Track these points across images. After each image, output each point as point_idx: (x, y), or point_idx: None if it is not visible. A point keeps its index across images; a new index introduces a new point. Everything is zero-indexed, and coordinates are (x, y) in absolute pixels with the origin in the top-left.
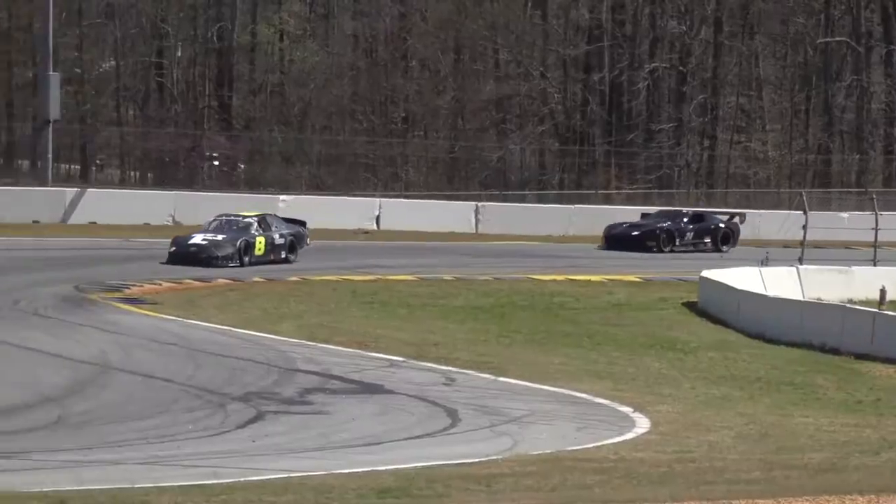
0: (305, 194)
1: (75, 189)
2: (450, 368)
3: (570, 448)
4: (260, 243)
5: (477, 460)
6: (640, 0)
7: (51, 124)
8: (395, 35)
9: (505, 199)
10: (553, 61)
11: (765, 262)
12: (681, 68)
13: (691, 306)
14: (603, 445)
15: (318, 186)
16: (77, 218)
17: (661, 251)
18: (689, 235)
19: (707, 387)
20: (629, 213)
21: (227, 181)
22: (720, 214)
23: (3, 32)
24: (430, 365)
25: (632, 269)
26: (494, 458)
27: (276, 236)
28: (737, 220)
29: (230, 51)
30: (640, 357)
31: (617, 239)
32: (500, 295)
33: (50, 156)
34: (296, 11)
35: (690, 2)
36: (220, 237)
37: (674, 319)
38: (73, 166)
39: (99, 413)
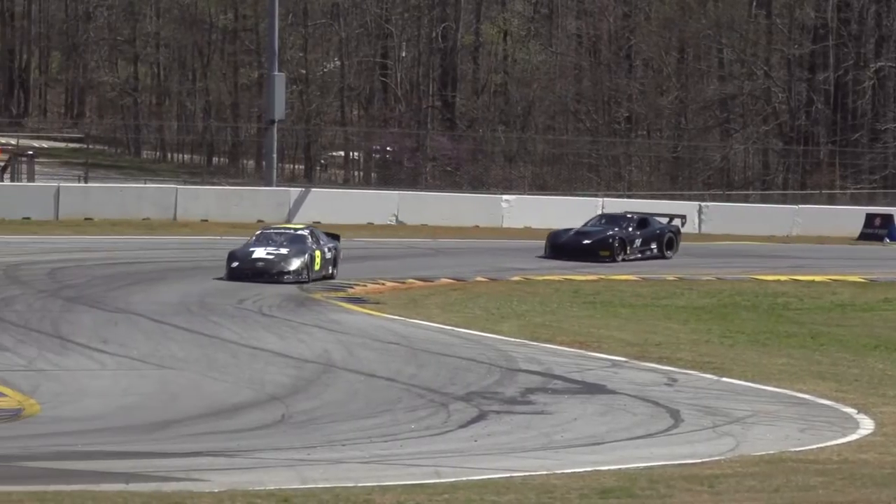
0: (528, 194)
1: (300, 188)
2: (672, 369)
3: (792, 449)
4: (318, 257)
5: (699, 461)
6: None
7: (275, 124)
8: (618, 34)
9: (728, 198)
10: (777, 60)
11: None
12: None
13: None
14: (826, 447)
15: (540, 186)
16: (301, 217)
17: (615, 261)
18: (638, 242)
19: None
20: (854, 214)
21: (450, 181)
22: (660, 217)
23: (230, 33)
24: (652, 365)
25: (855, 269)
26: (717, 458)
27: (326, 250)
28: (677, 222)
29: (454, 51)
30: (864, 358)
31: (564, 248)
32: (723, 295)
33: (274, 156)
34: (519, 11)
35: None
36: (283, 251)
37: None
38: (297, 166)
39: (322, 412)
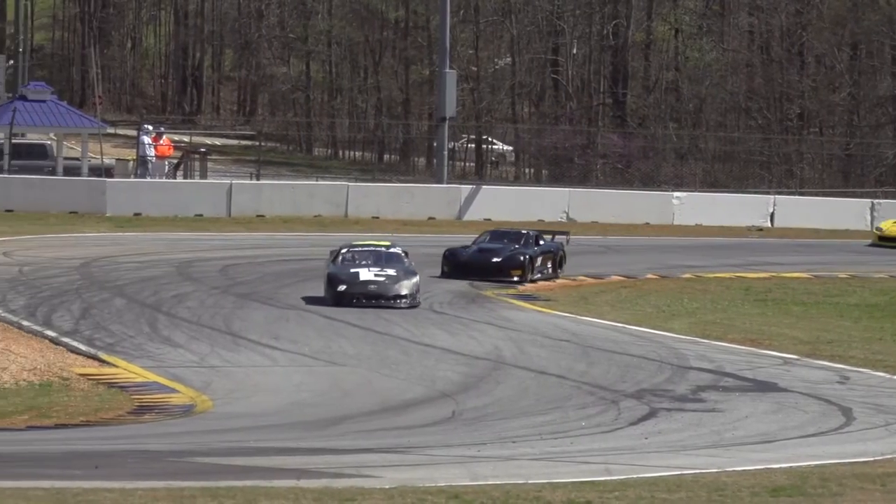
0: (699, 191)
1: (470, 186)
2: (844, 367)
3: None
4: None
5: (871, 459)
6: None
7: (447, 121)
8: (790, 30)
9: None
10: None
11: None
12: None
13: None
14: None
15: (711, 184)
16: (472, 214)
17: (524, 281)
18: (539, 261)
19: None
20: None
21: (620, 178)
22: (546, 234)
23: (401, 30)
24: (823, 363)
25: None
26: (889, 457)
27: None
28: (561, 239)
29: (625, 48)
30: None
31: (468, 266)
32: None
33: (445, 153)
34: (691, 8)
35: None
36: (390, 271)
37: None
38: (468, 163)
39: (492, 408)
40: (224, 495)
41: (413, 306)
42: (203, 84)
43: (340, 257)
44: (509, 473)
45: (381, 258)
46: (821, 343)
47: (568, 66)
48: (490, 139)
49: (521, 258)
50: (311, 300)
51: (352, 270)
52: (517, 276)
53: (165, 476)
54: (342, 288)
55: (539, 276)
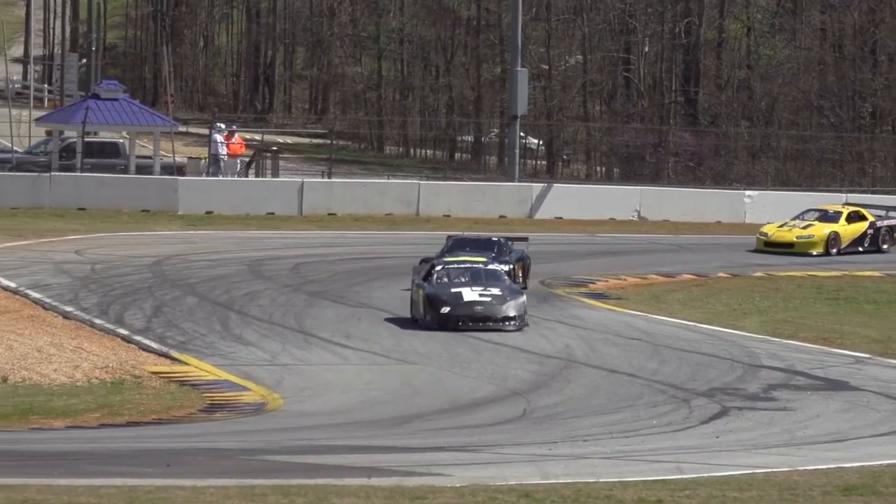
0: (771, 189)
1: (542, 184)
2: None
3: None
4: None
5: None
6: None
7: (518, 119)
8: (863, 28)
9: None
10: None
11: None
12: None
13: None
14: None
15: (783, 182)
16: (543, 213)
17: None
18: (518, 272)
19: None
20: None
21: (692, 176)
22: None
23: (473, 28)
24: None
25: None
26: None
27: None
28: (522, 246)
29: (697, 46)
30: None
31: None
32: None
33: (517, 151)
34: (763, 6)
35: None
36: (495, 290)
37: None
38: (539, 162)
39: (563, 407)
40: (295, 493)
41: (520, 328)
42: (275, 82)
43: (435, 275)
44: (580, 472)
45: (480, 276)
46: (893, 342)
47: (639, 65)
48: (524, 134)
49: (505, 268)
50: (384, 306)
51: (453, 290)
52: None
53: (236, 474)
54: (446, 310)
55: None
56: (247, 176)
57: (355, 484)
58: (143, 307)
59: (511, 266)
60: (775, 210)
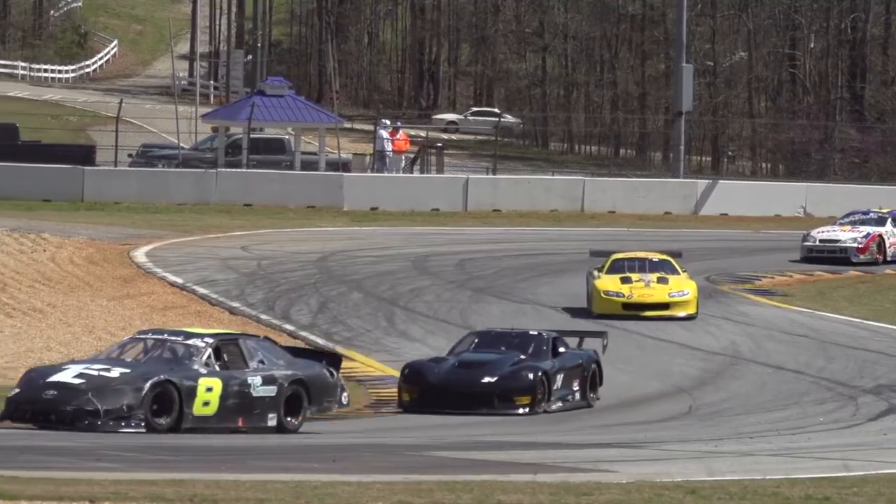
0: None
1: (707, 180)
2: None
3: None
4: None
5: None
6: None
7: (683, 116)
8: None
9: None
10: None
11: None
12: None
13: None
14: None
15: None
16: (708, 209)
17: (536, 412)
18: (559, 380)
19: None
20: None
21: (858, 173)
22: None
23: (638, 24)
24: None
25: None
26: None
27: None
28: (597, 345)
29: (863, 42)
30: None
31: (440, 390)
32: None
33: (682, 147)
34: None
35: None
36: None
37: None
38: (704, 158)
39: (729, 403)
40: (461, 489)
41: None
42: (439, 79)
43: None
44: (746, 469)
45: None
46: None
47: (805, 61)
48: (501, 113)
49: (531, 376)
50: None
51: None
52: (524, 404)
53: (402, 470)
54: None
55: (560, 403)
56: (412, 172)
57: (521, 480)
58: (309, 303)
59: (539, 373)
60: None
